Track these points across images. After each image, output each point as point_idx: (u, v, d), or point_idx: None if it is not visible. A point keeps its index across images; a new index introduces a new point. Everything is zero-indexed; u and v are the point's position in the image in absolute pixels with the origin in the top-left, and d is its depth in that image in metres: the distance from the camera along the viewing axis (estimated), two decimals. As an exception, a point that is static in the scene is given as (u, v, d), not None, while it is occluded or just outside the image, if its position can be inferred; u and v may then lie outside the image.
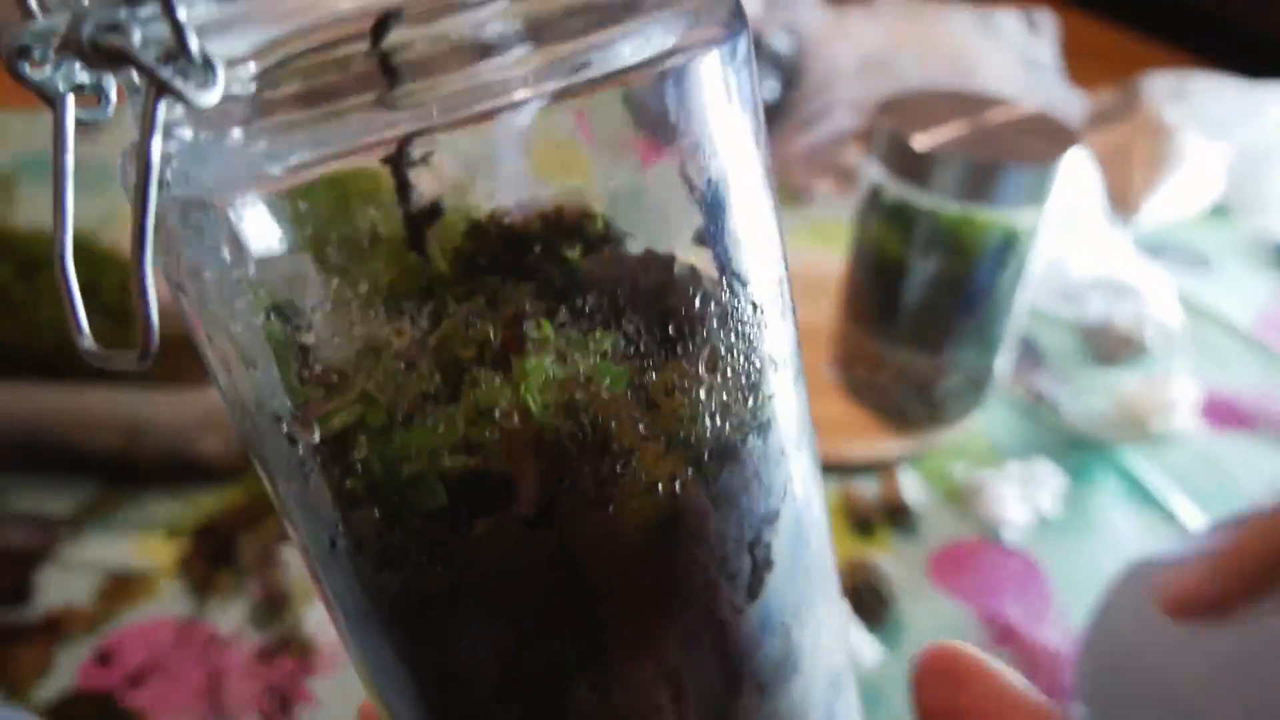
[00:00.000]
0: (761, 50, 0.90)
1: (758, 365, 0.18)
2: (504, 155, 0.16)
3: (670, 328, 0.17)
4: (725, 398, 0.17)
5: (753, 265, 0.18)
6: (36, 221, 0.71)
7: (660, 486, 0.17)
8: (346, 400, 0.16)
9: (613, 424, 0.16)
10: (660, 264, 0.17)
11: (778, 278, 0.19)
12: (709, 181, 0.17)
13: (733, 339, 0.17)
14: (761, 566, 0.19)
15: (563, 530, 0.16)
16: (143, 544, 0.53)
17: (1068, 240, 0.66)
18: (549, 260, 0.17)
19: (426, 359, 0.16)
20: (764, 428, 0.18)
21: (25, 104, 0.98)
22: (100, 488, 0.56)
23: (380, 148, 0.14)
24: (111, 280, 0.60)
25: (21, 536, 0.53)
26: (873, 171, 0.59)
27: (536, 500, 0.16)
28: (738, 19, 0.17)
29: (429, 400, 0.16)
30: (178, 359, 0.63)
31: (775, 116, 0.89)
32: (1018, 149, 0.54)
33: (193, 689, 0.46)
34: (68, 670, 0.47)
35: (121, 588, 0.50)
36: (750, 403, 0.18)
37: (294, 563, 0.52)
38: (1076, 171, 0.55)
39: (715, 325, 0.17)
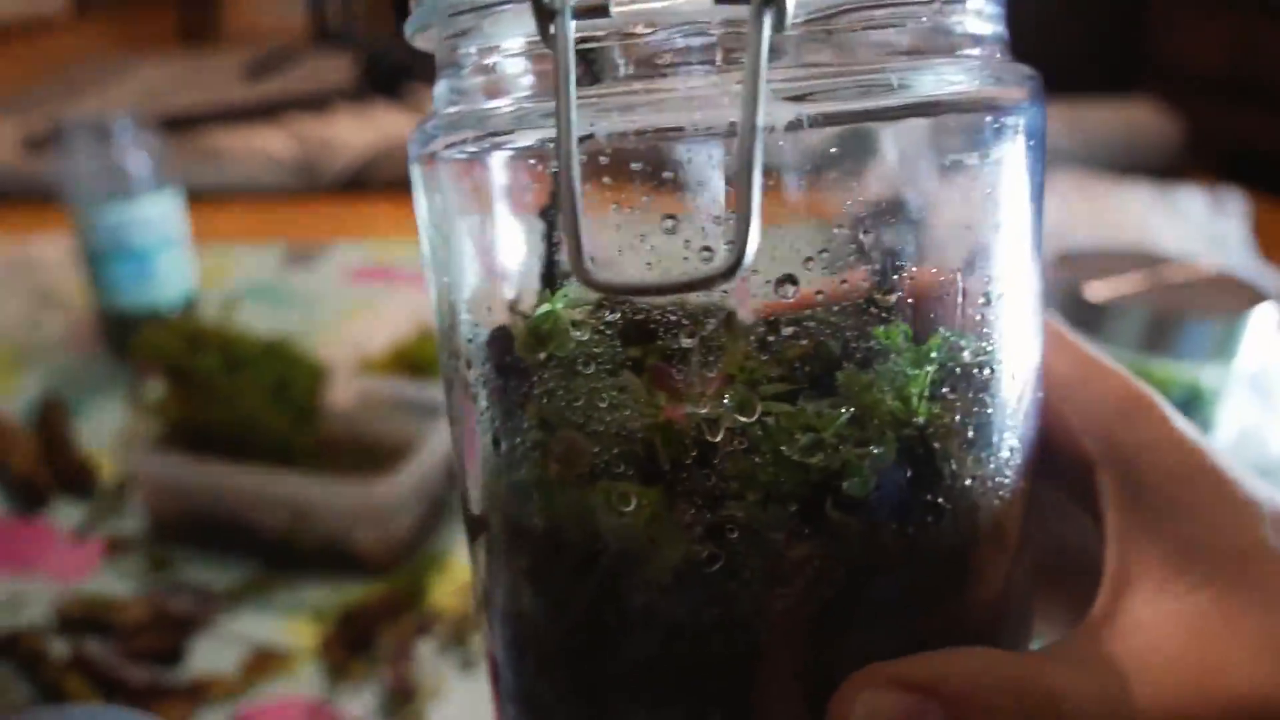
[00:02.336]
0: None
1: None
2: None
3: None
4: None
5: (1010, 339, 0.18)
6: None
7: (981, 499, 0.17)
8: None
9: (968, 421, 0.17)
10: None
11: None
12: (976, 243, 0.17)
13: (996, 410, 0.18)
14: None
15: (912, 519, 0.17)
16: (290, 624, 0.55)
17: (1264, 410, 0.61)
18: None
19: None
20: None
21: (253, 237, 1.10)
22: (261, 568, 0.59)
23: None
24: (302, 379, 0.65)
25: (184, 604, 0.56)
26: (1042, 323, 0.57)
27: (910, 487, 0.16)
28: (1036, 89, 0.18)
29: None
30: (343, 456, 0.66)
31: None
32: (1201, 302, 0.52)
33: (313, 769, 0.46)
34: (203, 735, 0.48)
35: (264, 662, 0.52)
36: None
37: (426, 658, 0.52)
38: (1268, 334, 0.52)
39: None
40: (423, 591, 0.56)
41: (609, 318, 0.16)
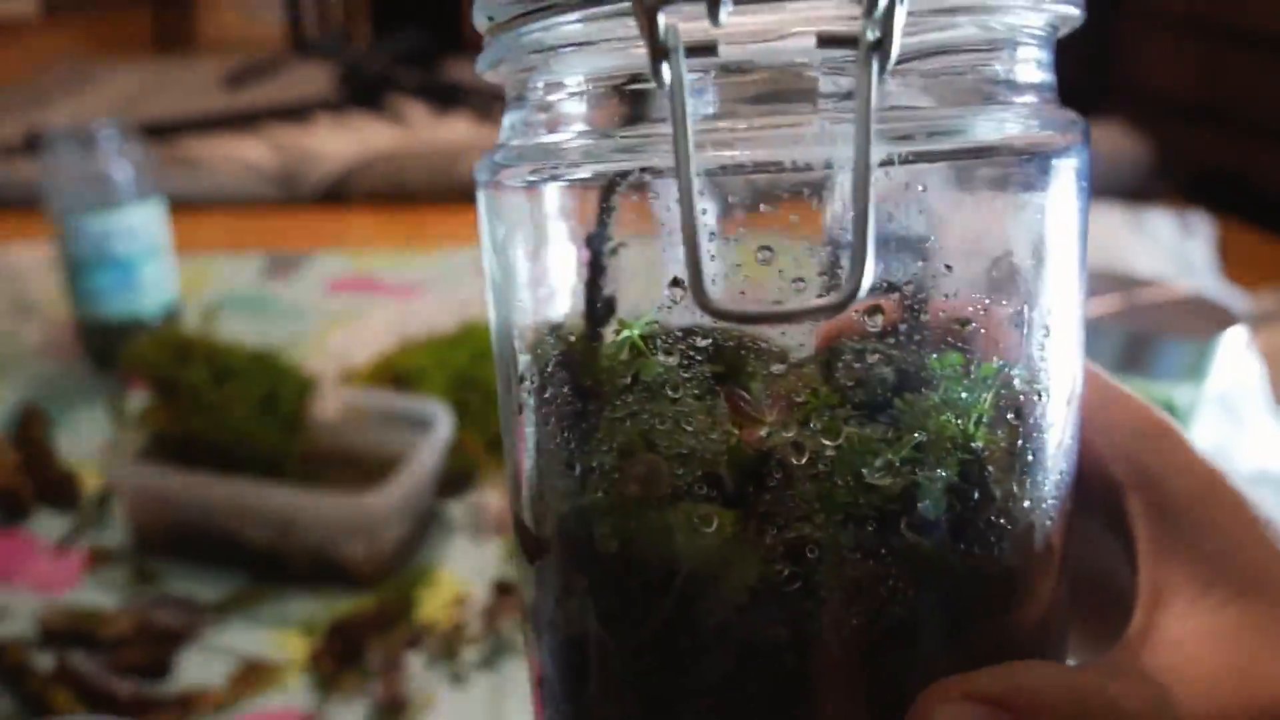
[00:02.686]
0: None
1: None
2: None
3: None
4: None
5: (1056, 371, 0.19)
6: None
7: (1035, 519, 0.18)
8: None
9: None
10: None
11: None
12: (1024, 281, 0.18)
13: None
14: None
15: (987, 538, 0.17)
16: (278, 637, 0.55)
17: (1233, 428, 0.63)
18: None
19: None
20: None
21: (230, 247, 1.10)
22: (249, 581, 0.58)
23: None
24: (290, 391, 0.65)
25: (170, 617, 0.55)
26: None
27: (981, 504, 0.17)
28: (1085, 133, 0.19)
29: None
30: (330, 468, 0.66)
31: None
32: (1175, 324, 0.54)
33: (305, 782, 0.46)
34: (192, 748, 0.48)
35: (253, 675, 0.52)
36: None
37: (416, 671, 0.52)
38: (1237, 355, 0.54)
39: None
40: (412, 604, 0.57)
41: (699, 343, 0.17)
